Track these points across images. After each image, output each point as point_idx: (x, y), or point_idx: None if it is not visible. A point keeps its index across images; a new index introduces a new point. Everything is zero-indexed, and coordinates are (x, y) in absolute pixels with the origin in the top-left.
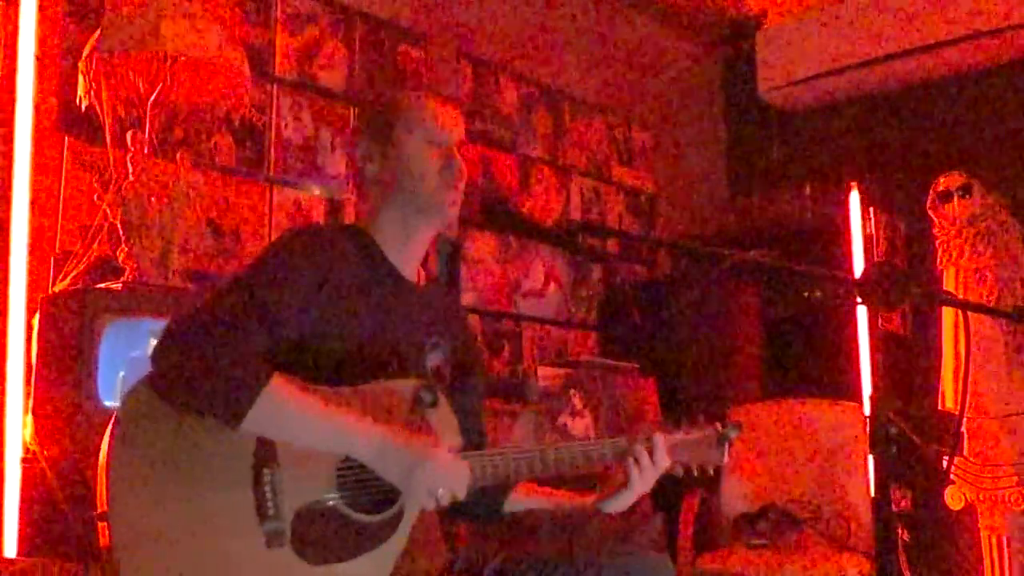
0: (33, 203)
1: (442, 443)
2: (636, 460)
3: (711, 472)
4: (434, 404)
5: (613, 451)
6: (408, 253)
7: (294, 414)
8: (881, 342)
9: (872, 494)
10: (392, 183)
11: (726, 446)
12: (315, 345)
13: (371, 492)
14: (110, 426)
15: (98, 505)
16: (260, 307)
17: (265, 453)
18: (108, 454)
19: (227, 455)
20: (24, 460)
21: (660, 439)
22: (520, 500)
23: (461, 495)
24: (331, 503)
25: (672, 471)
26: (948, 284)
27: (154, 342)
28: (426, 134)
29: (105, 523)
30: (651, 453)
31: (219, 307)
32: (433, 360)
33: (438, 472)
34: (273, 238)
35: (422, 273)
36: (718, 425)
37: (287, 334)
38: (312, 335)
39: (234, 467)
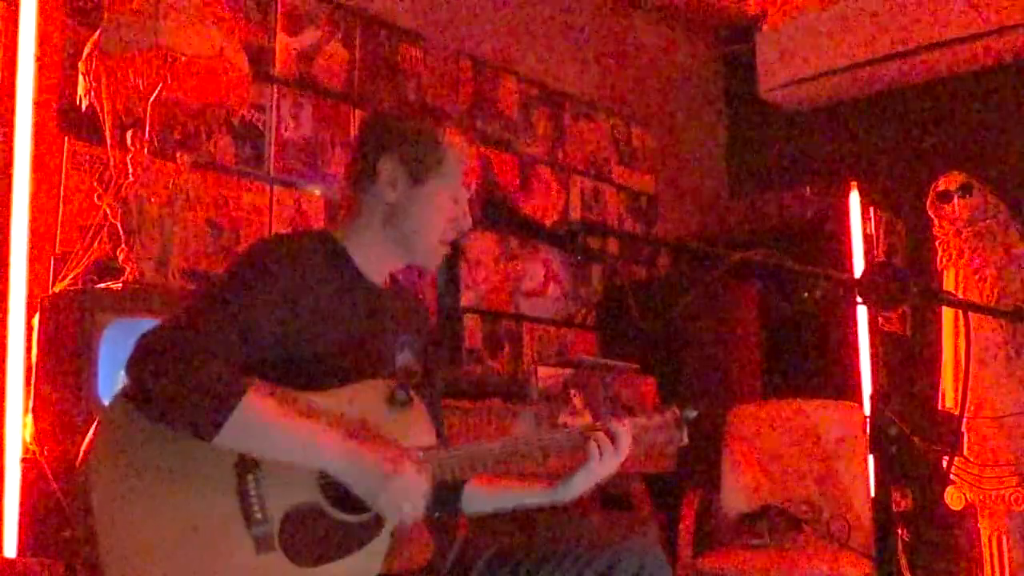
0: (33, 203)
1: (413, 442)
2: (598, 446)
3: (672, 451)
4: (408, 403)
5: (569, 441)
6: (380, 267)
7: (267, 430)
8: (881, 342)
9: (872, 494)
10: (404, 216)
11: (685, 427)
12: (288, 351)
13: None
14: (89, 438)
15: (83, 520)
16: (233, 319)
17: (247, 458)
18: (90, 467)
19: (210, 463)
20: (24, 460)
21: (621, 426)
22: (479, 499)
23: (418, 513)
24: (316, 504)
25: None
26: (948, 284)
27: None
28: (455, 190)
29: (92, 539)
30: (613, 440)
31: (192, 320)
32: (402, 360)
33: (402, 491)
34: None
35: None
36: (676, 409)
37: (260, 342)
38: (284, 342)
39: (218, 474)
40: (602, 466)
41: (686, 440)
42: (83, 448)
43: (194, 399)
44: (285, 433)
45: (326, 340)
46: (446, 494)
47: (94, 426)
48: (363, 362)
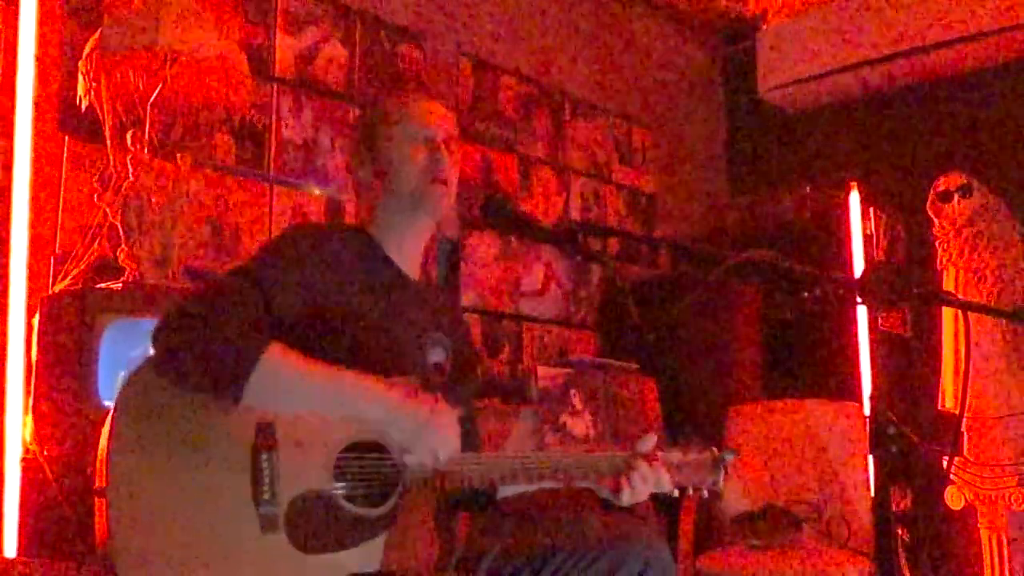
0: (33, 203)
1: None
2: (630, 479)
3: (705, 495)
4: None
5: (611, 466)
6: (407, 250)
7: (296, 379)
8: (881, 342)
9: (872, 494)
10: (381, 184)
11: (722, 470)
12: (317, 341)
13: (368, 484)
14: (113, 406)
15: (97, 482)
16: (256, 290)
17: (265, 438)
18: (110, 433)
19: (227, 439)
20: (24, 460)
21: (661, 461)
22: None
23: (456, 450)
24: (327, 493)
25: (667, 491)
26: (948, 284)
27: None
28: (408, 132)
29: (103, 500)
30: (654, 473)
31: (216, 291)
32: (433, 356)
33: (441, 434)
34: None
35: (421, 272)
36: (714, 449)
37: (284, 319)
38: (314, 331)
39: (233, 451)
40: (632, 496)
41: (722, 484)
42: (109, 416)
43: (217, 357)
44: (315, 381)
45: (355, 330)
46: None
47: (118, 393)
48: (391, 353)
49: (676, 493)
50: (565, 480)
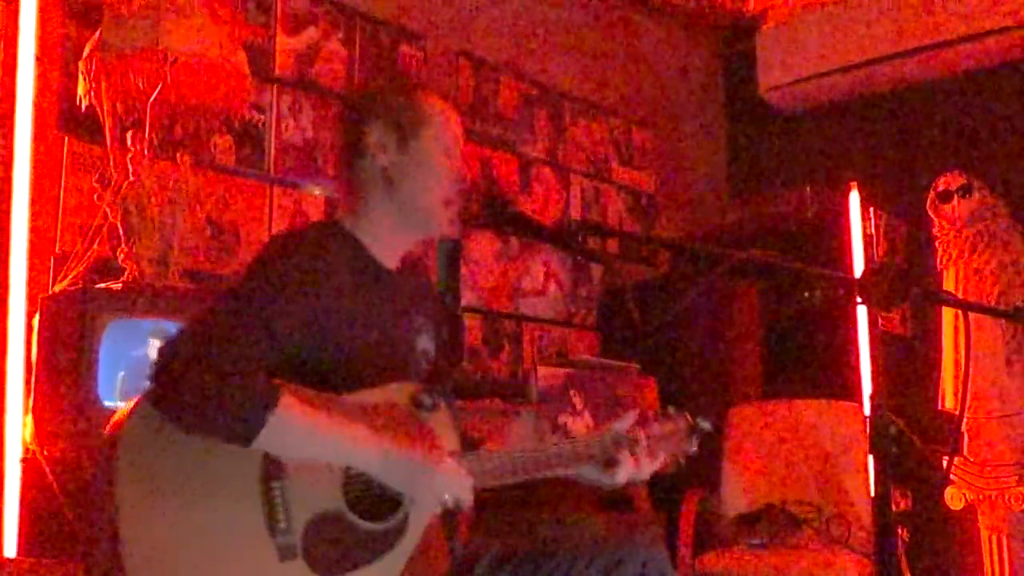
0: (33, 203)
1: (443, 447)
2: (620, 459)
3: (682, 462)
4: (433, 408)
5: (602, 448)
6: (392, 250)
7: (302, 434)
8: (881, 342)
9: (872, 494)
10: (401, 180)
11: (694, 437)
12: (311, 347)
13: (377, 499)
14: (116, 440)
15: (106, 525)
16: (257, 321)
17: (273, 465)
18: (114, 473)
19: (235, 469)
20: (24, 460)
21: (643, 438)
22: None
23: (467, 501)
24: (339, 512)
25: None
26: (948, 284)
27: (154, 342)
28: (448, 145)
29: (115, 543)
30: (640, 452)
31: (218, 323)
32: (421, 344)
33: (442, 479)
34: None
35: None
36: (688, 416)
37: (285, 342)
38: (308, 338)
39: (242, 481)
40: (623, 475)
41: (695, 449)
42: (106, 440)
43: (228, 409)
44: (320, 436)
45: (348, 332)
46: None
47: (121, 428)
48: (385, 351)
49: (657, 467)
50: (560, 468)
